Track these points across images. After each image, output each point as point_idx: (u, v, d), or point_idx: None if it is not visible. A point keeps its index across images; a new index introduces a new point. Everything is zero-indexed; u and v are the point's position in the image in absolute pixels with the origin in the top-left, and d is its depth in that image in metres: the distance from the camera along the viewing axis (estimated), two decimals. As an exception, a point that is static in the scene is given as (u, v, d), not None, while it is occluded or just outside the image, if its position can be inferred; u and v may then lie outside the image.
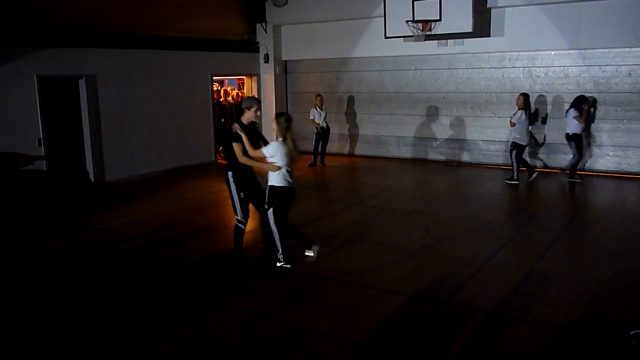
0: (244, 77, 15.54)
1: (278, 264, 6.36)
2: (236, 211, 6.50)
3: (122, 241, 7.63)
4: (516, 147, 10.65)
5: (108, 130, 11.32)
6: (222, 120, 14.54)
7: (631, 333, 4.55)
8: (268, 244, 6.59)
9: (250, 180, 6.48)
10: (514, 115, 10.63)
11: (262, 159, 6.18)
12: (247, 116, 6.40)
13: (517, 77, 12.23)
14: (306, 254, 6.49)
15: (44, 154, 10.17)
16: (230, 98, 15.12)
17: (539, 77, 11.99)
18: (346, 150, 14.83)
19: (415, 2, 11.55)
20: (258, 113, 6.38)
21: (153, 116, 12.19)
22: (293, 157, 6.15)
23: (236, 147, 6.18)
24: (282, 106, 15.30)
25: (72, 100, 10.82)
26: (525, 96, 10.62)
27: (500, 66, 12.39)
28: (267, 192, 6.23)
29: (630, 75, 11.02)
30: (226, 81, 17.02)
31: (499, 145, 12.61)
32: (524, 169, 10.95)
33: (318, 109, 13.08)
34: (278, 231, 6.25)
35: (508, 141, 12.33)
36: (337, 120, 14.74)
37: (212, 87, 14.01)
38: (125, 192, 10.77)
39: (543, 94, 11.90)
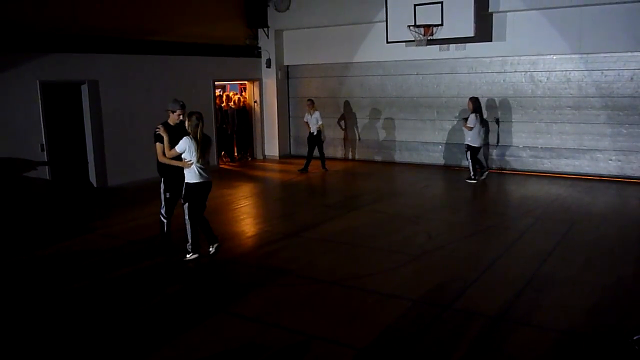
0: (246, 82, 15.57)
1: (187, 256, 6.90)
2: (161, 205, 7.12)
3: (125, 246, 7.64)
4: (469, 149, 11.37)
5: (110, 136, 11.34)
6: (224, 125, 14.56)
7: (635, 338, 4.54)
8: (205, 229, 6.99)
9: (179, 182, 6.88)
10: (467, 119, 11.23)
11: (178, 158, 6.64)
12: (172, 118, 6.90)
13: (518, 81, 12.24)
14: (209, 249, 6.97)
15: (46, 160, 10.19)
16: (232, 103, 15.14)
17: (540, 81, 11.99)
18: (348, 155, 14.83)
19: (417, 7, 11.58)
20: (181, 117, 6.82)
21: (155, 121, 12.01)
22: (203, 152, 6.59)
23: (158, 147, 6.76)
24: (284, 111, 15.33)
25: (74, 105, 10.86)
26: (475, 100, 11.30)
27: (502, 71, 12.40)
28: (184, 188, 6.76)
29: (633, 79, 11.01)
30: (228, 86, 17.06)
31: (500, 149, 12.59)
32: (479, 169, 11.66)
33: (308, 114, 13.09)
34: (191, 224, 6.85)
35: (510, 146, 12.41)
36: (339, 125, 14.76)
37: (215, 93, 14.04)
38: (127, 197, 10.78)
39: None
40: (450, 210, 9.64)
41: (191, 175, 6.65)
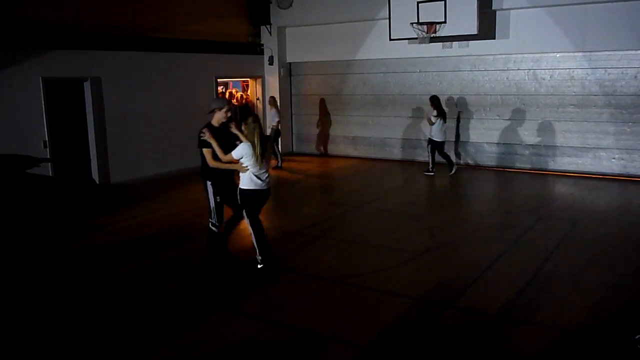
0: (248, 79, 15.56)
1: (258, 267, 6.33)
2: (210, 213, 6.50)
3: (127, 243, 7.65)
4: (431, 143, 11.89)
5: (113, 133, 11.35)
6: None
7: (636, 337, 4.54)
8: (262, 245, 6.38)
9: (227, 184, 6.43)
10: (431, 115, 11.64)
11: (233, 162, 6.16)
12: (217, 117, 6.35)
13: (522, 79, 12.21)
14: (258, 266, 6.40)
15: (49, 157, 10.21)
16: (234, 100, 15.14)
17: (544, 79, 11.96)
18: (350, 153, 14.82)
19: (419, 4, 11.54)
20: (228, 114, 6.33)
21: (158, 118, 12.22)
22: (264, 158, 6.08)
23: (206, 153, 6.23)
24: (287, 108, 15.32)
25: (77, 102, 10.87)
26: (436, 98, 11.71)
27: (505, 68, 12.37)
28: (238, 194, 6.22)
29: (636, 77, 10.98)
30: (231, 83, 17.06)
31: (503, 147, 12.58)
32: (443, 163, 12.08)
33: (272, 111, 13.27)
34: (254, 231, 6.26)
35: (513, 144, 12.41)
36: (342, 123, 14.76)
37: (217, 90, 14.03)
38: (130, 194, 10.79)
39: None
40: (453, 208, 9.63)
41: (246, 182, 6.10)
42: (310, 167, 13.11)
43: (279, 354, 4.61)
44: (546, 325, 5.00)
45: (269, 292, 5.91)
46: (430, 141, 11.91)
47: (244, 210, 6.26)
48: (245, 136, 6.01)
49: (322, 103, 14.98)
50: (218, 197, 6.44)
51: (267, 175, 6.19)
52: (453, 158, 12.49)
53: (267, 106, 13.32)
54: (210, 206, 6.47)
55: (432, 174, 11.94)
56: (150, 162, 12.14)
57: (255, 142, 5.98)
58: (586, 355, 4.52)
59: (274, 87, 15.07)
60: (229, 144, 6.14)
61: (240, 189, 6.17)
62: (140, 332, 5.00)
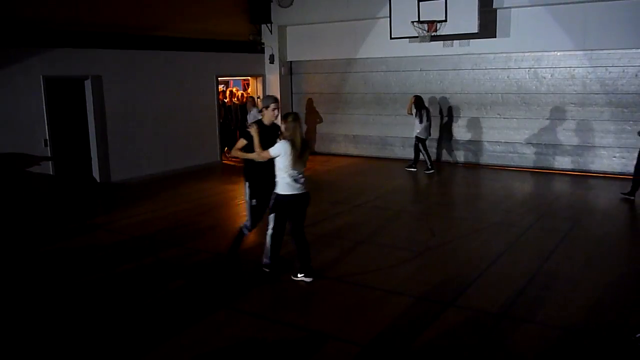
0: (249, 77, 15.56)
1: (265, 270, 6.16)
2: (247, 217, 6.43)
3: (128, 242, 7.65)
4: (419, 140, 12.25)
5: (114, 131, 11.36)
6: (227, 121, 14.54)
7: (637, 336, 4.54)
8: (301, 252, 6.05)
9: (267, 188, 6.04)
10: (415, 113, 12.18)
11: (249, 151, 5.97)
12: (267, 116, 6.08)
13: (522, 78, 12.20)
14: (297, 277, 6.03)
15: (50, 155, 10.22)
16: (235, 99, 15.14)
17: (544, 78, 11.96)
18: (351, 151, 14.81)
19: (420, 3, 11.54)
20: (276, 112, 6.06)
21: (159, 117, 12.22)
22: (302, 159, 5.75)
23: (239, 142, 6.09)
24: (287, 107, 15.29)
25: (78, 101, 10.87)
26: (417, 98, 12.15)
27: (506, 67, 12.36)
28: (273, 199, 5.89)
29: (637, 76, 10.97)
30: (231, 82, 17.05)
31: (504, 146, 12.58)
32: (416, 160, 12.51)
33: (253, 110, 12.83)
34: (272, 239, 5.97)
35: (514, 142, 12.41)
36: (343, 121, 14.76)
37: (218, 88, 14.03)
38: (130, 193, 10.80)
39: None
40: (453, 207, 9.64)
41: (282, 186, 5.74)
42: (310, 165, 13.06)
43: (279, 353, 4.61)
44: (547, 324, 5.01)
45: (270, 290, 5.91)
46: (418, 139, 12.21)
47: (272, 214, 5.92)
48: (284, 134, 5.73)
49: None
50: (254, 200, 6.23)
51: (303, 178, 5.85)
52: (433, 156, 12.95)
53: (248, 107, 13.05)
54: (246, 208, 6.38)
55: (432, 171, 12.18)
56: (151, 160, 12.14)
57: (296, 140, 5.67)
58: (587, 354, 4.52)
59: (274, 85, 15.07)
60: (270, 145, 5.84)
61: (276, 194, 5.81)
62: (141, 331, 5.01)
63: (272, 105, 6.03)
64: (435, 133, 13.31)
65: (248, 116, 12.98)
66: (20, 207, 9.52)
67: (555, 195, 10.19)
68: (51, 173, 10.29)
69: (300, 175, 5.81)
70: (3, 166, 9.53)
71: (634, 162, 9.37)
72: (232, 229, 8.30)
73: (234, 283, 6.12)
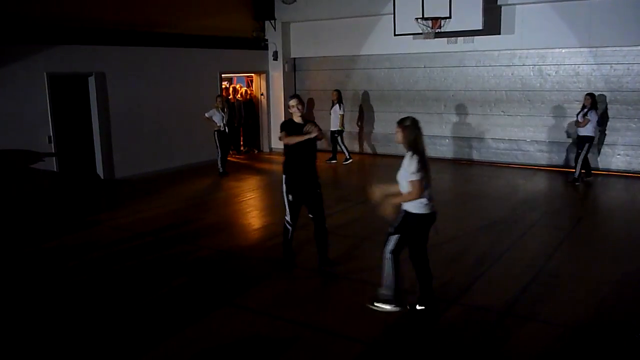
0: (252, 74, 15.54)
1: (377, 304, 5.12)
2: (286, 212, 6.24)
3: (131, 238, 7.66)
4: (339, 134, 13.23)
5: (117, 128, 11.37)
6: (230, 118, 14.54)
7: (642, 334, 4.53)
8: (423, 279, 5.30)
9: (305, 183, 6.02)
10: (334, 107, 13.08)
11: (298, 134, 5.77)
12: (294, 114, 6.11)
13: (527, 75, 12.16)
14: (416, 307, 5.23)
15: (54, 151, 10.24)
16: (239, 96, 15.13)
17: (549, 75, 11.91)
18: (355, 148, 14.79)
19: None
20: (294, 109, 6.04)
21: (162, 113, 12.23)
22: (428, 171, 4.94)
23: (283, 136, 6.04)
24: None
25: (82, 97, 10.89)
26: (338, 92, 13.13)
27: (510, 64, 12.32)
28: (401, 217, 5.09)
29: (642, 73, 10.92)
30: (235, 79, 17.03)
31: (508, 143, 12.55)
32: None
33: (220, 110, 11.92)
34: (393, 261, 5.07)
35: (517, 140, 12.40)
36: (346, 118, 14.71)
37: (221, 85, 14.03)
38: (134, 189, 10.81)
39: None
40: (457, 204, 9.61)
41: (416, 205, 4.93)
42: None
43: (282, 350, 4.61)
44: (550, 322, 4.99)
45: (273, 287, 5.91)
46: (339, 132, 13.20)
47: (395, 235, 5.06)
48: (405, 144, 4.86)
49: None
50: (291, 196, 6.04)
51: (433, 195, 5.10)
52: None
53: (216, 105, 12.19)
54: (285, 203, 6.19)
55: (350, 160, 13.18)
56: (155, 157, 12.15)
57: (422, 149, 4.88)
58: (590, 351, 4.51)
59: (278, 82, 15.06)
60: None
61: (407, 212, 5.00)
62: (144, 327, 5.01)
63: (290, 103, 6.09)
64: (438, 130, 13.29)
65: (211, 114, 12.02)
66: (24, 203, 9.54)
67: (559, 193, 10.15)
68: (55, 169, 10.32)
69: (431, 192, 5.03)
70: (7, 163, 9.55)
71: (638, 159, 9.33)
72: (235, 225, 8.33)
73: (237, 280, 6.12)
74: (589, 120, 10.27)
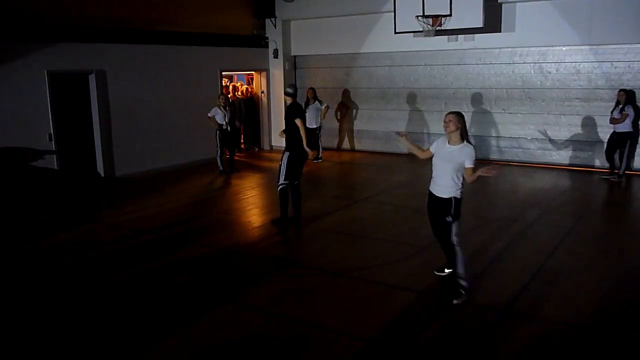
0: (253, 72, 15.54)
1: (455, 300, 5.31)
2: (279, 177, 7.70)
3: (131, 236, 7.67)
4: (319, 130, 13.29)
5: (118, 126, 11.37)
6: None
7: (641, 332, 4.53)
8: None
9: (302, 156, 7.80)
10: (313, 105, 13.05)
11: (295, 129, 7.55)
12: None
13: (527, 72, 12.15)
14: (456, 298, 5.37)
15: (54, 149, 10.24)
16: (239, 93, 15.13)
17: (550, 72, 11.90)
18: (355, 146, 14.80)
19: (425, -3, 11.50)
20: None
21: (163, 111, 12.23)
22: None
23: (299, 123, 7.73)
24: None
25: (82, 95, 10.88)
26: (312, 90, 13.21)
27: (511, 62, 12.31)
28: (452, 204, 5.34)
29: (643, 71, 10.91)
30: (235, 76, 17.02)
31: (508, 141, 12.55)
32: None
33: (222, 108, 11.73)
34: (461, 246, 5.42)
35: (519, 137, 12.39)
36: (347, 116, 14.74)
37: (222, 83, 14.02)
38: (134, 187, 10.82)
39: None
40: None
41: (460, 191, 5.38)
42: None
43: (283, 346, 4.62)
44: (551, 319, 5.00)
45: (273, 285, 5.91)
46: (320, 129, 13.25)
47: (455, 222, 5.39)
48: (462, 133, 5.27)
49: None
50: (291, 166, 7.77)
51: None
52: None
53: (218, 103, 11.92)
54: (281, 169, 7.72)
55: (321, 159, 13.29)
56: (155, 155, 12.16)
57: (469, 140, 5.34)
58: (591, 349, 4.51)
59: (278, 80, 15.05)
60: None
61: (456, 199, 5.35)
62: (144, 325, 5.02)
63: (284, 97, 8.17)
64: (439, 129, 13.26)
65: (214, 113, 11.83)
66: (24, 201, 9.55)
67: (559, 191, 10.15)
68: (55, 167, 10.32)
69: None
70: (8, 160, 9.55)
71: (636, 157, 9.32)
72: (236, 223, 8.33)
73: (238, 277, 6.13)
74: (627, 115, 10.21)
